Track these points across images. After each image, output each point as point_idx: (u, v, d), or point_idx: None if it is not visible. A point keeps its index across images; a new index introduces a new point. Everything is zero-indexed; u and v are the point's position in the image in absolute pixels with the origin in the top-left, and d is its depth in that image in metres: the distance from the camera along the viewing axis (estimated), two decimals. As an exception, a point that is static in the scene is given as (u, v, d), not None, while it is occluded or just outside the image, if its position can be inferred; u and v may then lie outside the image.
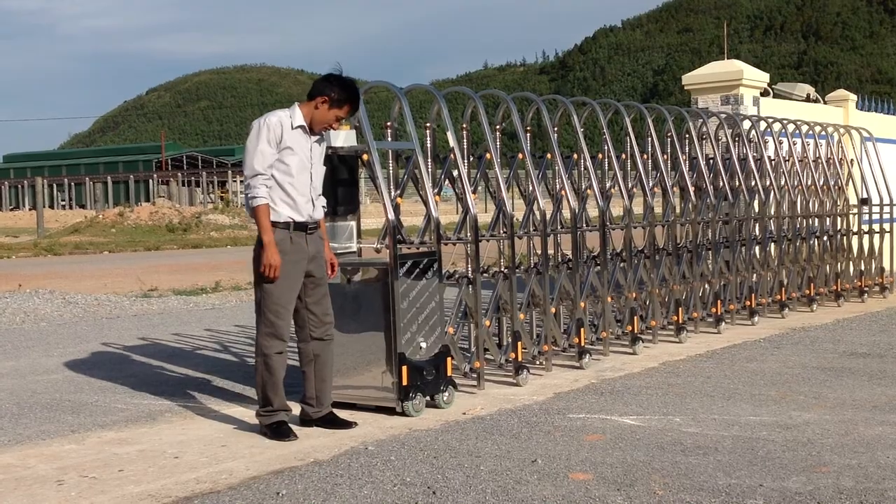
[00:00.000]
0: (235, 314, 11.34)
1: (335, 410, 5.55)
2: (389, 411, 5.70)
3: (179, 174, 66.66)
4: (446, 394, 5.92)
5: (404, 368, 5.60)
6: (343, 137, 5.97)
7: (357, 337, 5.75)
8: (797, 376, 6.70)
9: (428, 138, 6.56)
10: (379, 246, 6.22)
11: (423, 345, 5.79)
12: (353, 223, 6.22)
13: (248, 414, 5.68)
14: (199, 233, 33.23)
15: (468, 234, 6.44)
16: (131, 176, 67.60)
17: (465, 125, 6.97)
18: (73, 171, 75.35)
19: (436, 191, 6.35)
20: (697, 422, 5.40)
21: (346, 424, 5.42)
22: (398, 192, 6.33)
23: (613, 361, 7.36)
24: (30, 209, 58.10)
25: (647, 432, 5.17)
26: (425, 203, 6.19)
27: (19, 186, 71.02)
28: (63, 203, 67.25)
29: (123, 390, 6.78)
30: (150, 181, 66.38)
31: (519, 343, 6.59)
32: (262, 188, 5.13)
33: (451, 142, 6.52)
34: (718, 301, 8.85)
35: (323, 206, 5.45)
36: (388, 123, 6.64)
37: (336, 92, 5.26)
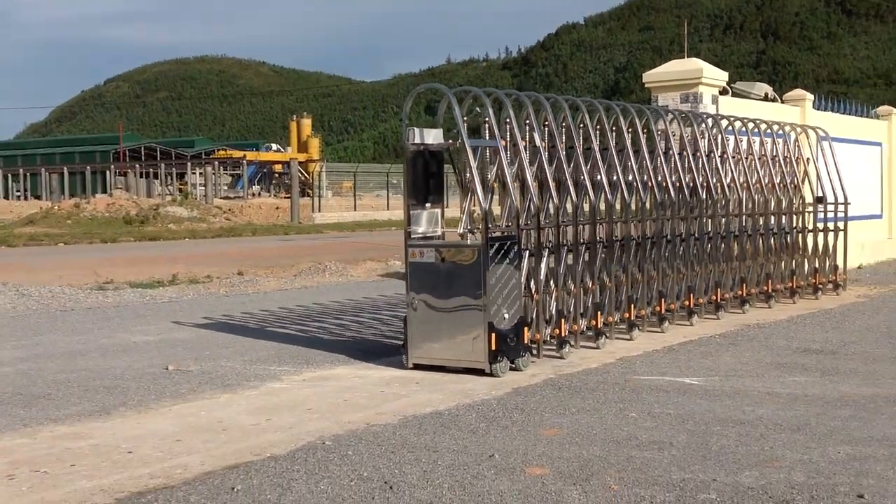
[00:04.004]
0: (192, 307, 11.24)
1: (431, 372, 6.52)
2: (478, 372, 6.55)
3: (137, 165, 65.85)
4: (524, 358, 6.81)
5: (493, 336, 6.48)
6: (434, 135, 6.80)
7: (449, 309, 6.61)
8: (751, 372, 6.78)
9: (507, 134, 7.12)
10: (462, 231, 6.95)
11: (506, 315, 6.61)
12: (439, 210, 7.14)
13: (205, 408, 5.63)
14: (156, 225, 32.89)
15: (529, 221, 7.15)
16: (88, 167, 66.63)
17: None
18: (28, 161, 74.09)
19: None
20: (652, 417, 5.44)
21: None
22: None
23: (572, 356, 7.39)
24: (-16, 200, 57.18)
25: (602, 427, 5.21)
26: (485, 193, 6.81)
27: (-27, 177, 69.78)
28: (18, 194, 66.15)
29: (76, 384, 6.69)
30: (108, 172, 65.42)
31: (562, 319, 7.25)
32: None
33: (537, 141, 7.25)
34: (691, 294, 8.94)
35: None
36: (464, 120, 7.00)
37: None
